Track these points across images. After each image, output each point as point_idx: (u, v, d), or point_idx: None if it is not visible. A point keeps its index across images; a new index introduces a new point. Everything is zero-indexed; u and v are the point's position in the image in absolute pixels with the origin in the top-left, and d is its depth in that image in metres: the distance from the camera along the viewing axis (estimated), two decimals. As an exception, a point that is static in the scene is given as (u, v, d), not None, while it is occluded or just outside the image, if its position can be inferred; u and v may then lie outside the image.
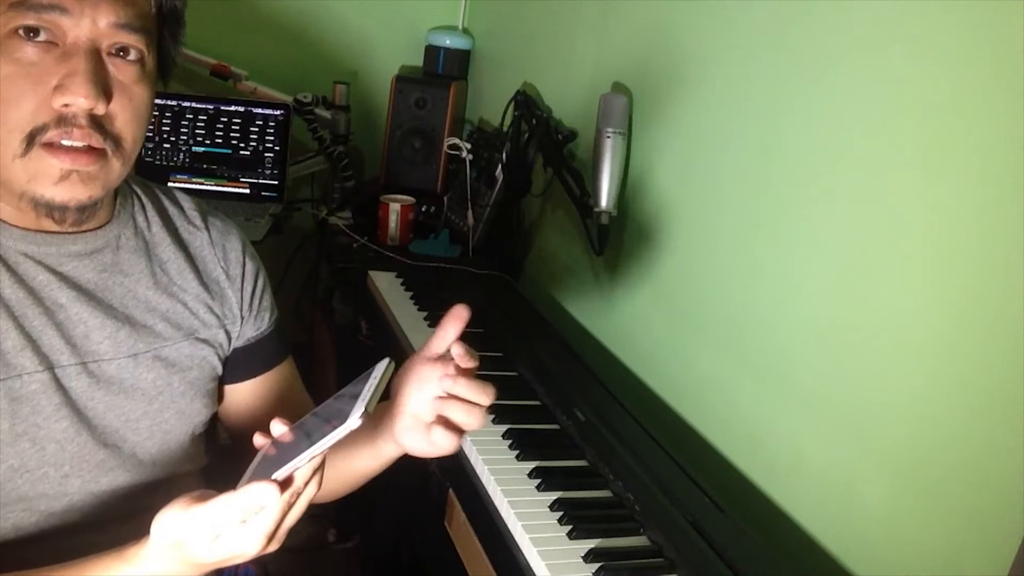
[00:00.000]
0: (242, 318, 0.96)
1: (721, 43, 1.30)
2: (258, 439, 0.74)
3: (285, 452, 0.71)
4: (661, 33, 1.47)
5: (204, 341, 0.91)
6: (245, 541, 0.69)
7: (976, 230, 0.89)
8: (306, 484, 0.71)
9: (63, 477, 0.81)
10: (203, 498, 0.68)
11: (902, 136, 0.98)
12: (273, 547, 0.71)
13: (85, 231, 0.84)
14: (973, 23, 0.89)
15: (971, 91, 0.90)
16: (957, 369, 0.91)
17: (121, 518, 0.84)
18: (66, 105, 0.74)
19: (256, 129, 2.10)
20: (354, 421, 0.67)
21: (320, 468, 0.72)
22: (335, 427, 0.67)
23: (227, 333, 0.94)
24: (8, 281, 0.79)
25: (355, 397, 0.70)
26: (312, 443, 0.68)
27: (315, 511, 1.16)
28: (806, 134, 1.13)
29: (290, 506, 0.70)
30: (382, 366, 0.74)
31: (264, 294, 0.99)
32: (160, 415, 0.87)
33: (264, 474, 0.69)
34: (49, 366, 0.79)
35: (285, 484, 0.69)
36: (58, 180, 0.76)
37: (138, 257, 0.88)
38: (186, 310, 0.90)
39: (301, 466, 0.69)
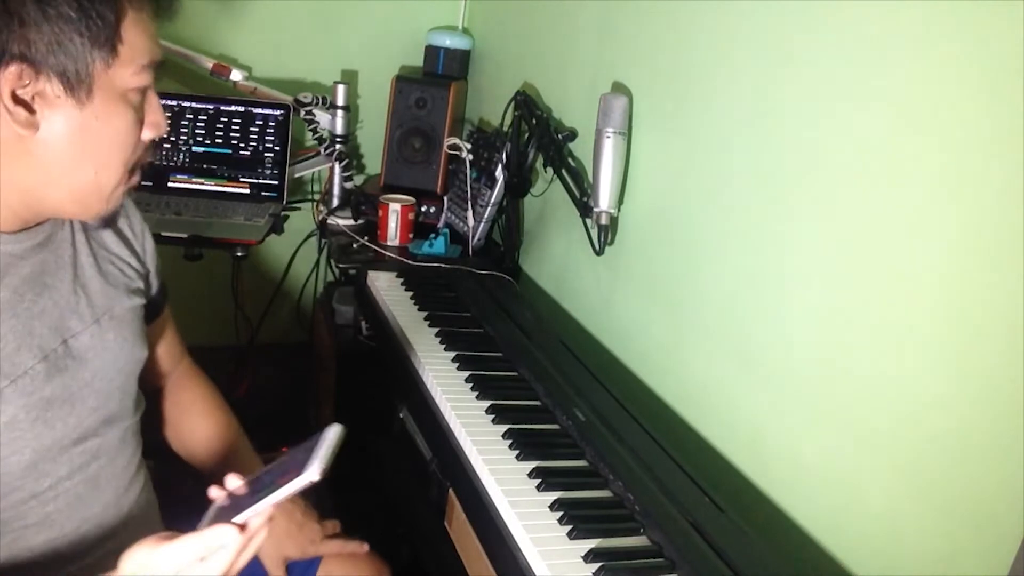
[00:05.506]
0: (148, 271, 1.07)
1: (721, 43, 1.30)
2: (213, 491, 0.81)
3: (241, 501, 0.77)
4: (661, 33, 1.47)
5: (135, 292, 1.02)
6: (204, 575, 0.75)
7: (976, 230, 0.89)
8: (258, 531, 0.78)
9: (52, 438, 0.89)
10: (170, 538, 0.74)
11: (904, 136, 0.98)
12: None
13: (33, 225, 0.89)
14: (976, 25, 0.89)
15: (973, 91, 0.90)
16: (957, 370, 0.91)
17: (84, 465, 0.93)
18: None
19: (256, 129, 2.10)
20: (313, 473, 0.73)
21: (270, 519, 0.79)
22: (293, 478, 0.73)
23: (147, 283, 1.06)
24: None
25: (310, 453, 0.75)
26: (271, 491, 0.74)
27: (314, 511, 1.17)
28: (806, 133, 1.13)
29: (244, 548, 0.77)
30: (334, 430, 0.78)
31: (154, 250, 1.10)
32: (126, 367, 0.98)
33: (224, 518, 0.75)
34: (43, 356, 0.87)
35: (243, 527, 0.75)
36: None
37: (76, 232, 0.96)
38: (118, 271, 1.00)
39: (260, 511, 0.75)
